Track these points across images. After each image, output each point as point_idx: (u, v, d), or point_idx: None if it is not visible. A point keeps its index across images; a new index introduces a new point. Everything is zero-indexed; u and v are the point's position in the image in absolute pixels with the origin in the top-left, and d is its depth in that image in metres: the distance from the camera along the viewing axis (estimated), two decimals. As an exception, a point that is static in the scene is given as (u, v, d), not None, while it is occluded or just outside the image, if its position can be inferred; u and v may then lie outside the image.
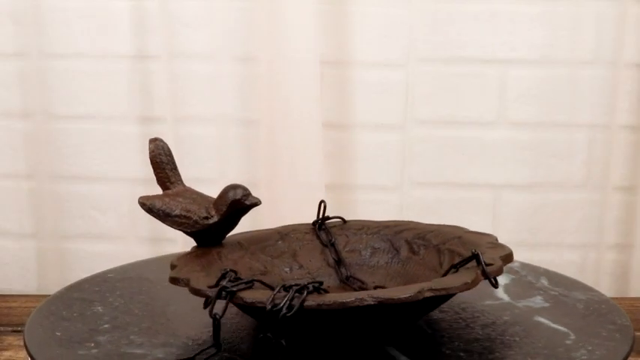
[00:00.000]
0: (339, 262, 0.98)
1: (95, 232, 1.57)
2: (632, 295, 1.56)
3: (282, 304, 0.75)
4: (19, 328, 1.39)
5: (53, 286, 1.54)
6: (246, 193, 0.92)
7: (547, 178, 1.55)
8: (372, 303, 0.76)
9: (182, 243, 1.49)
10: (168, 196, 0.95)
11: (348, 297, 0.76)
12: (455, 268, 0.86)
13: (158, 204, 0.94)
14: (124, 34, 1.51)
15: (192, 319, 0.91)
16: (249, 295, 0.78)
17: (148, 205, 0.95)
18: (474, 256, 0.85)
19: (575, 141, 1.53)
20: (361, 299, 0.76)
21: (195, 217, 0.92)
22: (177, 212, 0.93)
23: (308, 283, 0.77)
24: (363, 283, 0.96)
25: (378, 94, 1.53)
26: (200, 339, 0.86)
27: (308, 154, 1.49)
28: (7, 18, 1.51)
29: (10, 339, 1.36)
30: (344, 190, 1.55)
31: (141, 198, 0.95)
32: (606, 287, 1.54)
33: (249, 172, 1.54)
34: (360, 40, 1.51)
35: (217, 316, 0.75)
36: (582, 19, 1.49)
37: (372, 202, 1.55)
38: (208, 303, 0.77)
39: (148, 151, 0.97)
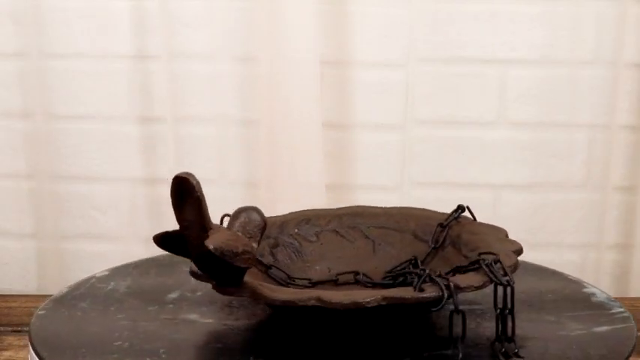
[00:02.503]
0: (269, 267, 0.96)
1: (95, 232, 1.57)
2: (632, 295, 1.56)
3: (503, 279, 0.81)
4: (19, 328, 1.39)
5: (53, 286, 1.54)
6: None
7: (547, 178, 1.55)
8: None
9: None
10: (221, 235, 0.81)
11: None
12: (442, 227, 0.96)
13: (225, 246, 0.79)
14: (124, 34, 1.51)
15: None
16: (463, 280, 0.80)
17: (220, 249, 0.79)
18: (460, 208, 0.96)
19: (575, 141, 1.53)
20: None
21: (252, 251, 0.81)
22: (241, 249, 0.80)
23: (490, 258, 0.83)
24: (308, 280, 0.96)
25: (378, 94, 1.53)
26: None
27: (308, 154, 1.49)
28: (7, 18, 1.51)
29: (10, 339, 1.36)
30: (344, 190, 1.55)
31: (209, 242, 0.78)
32: (606, 287, 1.54)
33: (249, 172, 1.54)
34: (360, 40, 1.51)
35: (464, 312, 0.79)
36: (582, 19, 1.49)
37: (372, 202, 1.54)
38: (435, 302, 0.78)
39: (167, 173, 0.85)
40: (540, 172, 1.55)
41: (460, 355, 0.79)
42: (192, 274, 0.85)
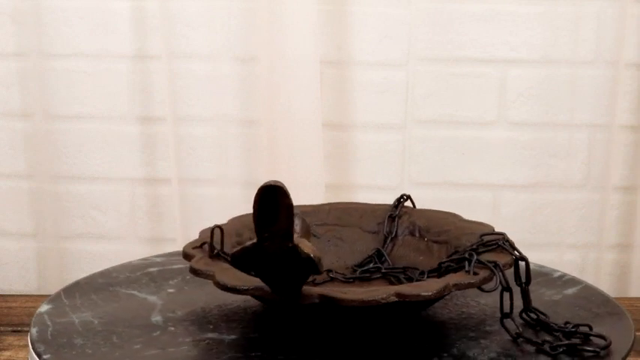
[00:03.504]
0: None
1: (95, 232, 1.57)
2: (632, 295, 1.56)
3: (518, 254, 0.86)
4: (19, 328, 1.39)
5: (53, 286, 1.54)
6: None
7: (547, 178, 1.55)
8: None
9: (182, 243, 1.49)
10: (308, 243, 0.76)
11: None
12: (393, 217, 0.98)
13: (315, 253, 0.75)
14: (124, 34, 1.51)
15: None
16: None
17: (317, 257, 0.75)
18: (403, 197, 0.99)
19: (575, 141, 1.53)
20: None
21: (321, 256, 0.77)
22: (319, 255, 0.76)
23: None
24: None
25: (378, 94, 1.53)
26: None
27: (308, 154, 1.49)
28: (7, 18, 1.51)
29: (10, 339, 1.36)
30: (344, 190, 1.55)
31: (309, 251, 0.74)
32: (606, 287, 1.54)
33: (249, 172, 1.54)
34: (360, 40, 1.51)
35: (511, 289, 0.83)
36: (582, 19, 1.49)
37: (372, 202, 1.55)
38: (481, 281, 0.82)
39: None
40: (540, 172, 1.55)
41: (519, 329, 0.82)
42: (234, 289, 0.80)
